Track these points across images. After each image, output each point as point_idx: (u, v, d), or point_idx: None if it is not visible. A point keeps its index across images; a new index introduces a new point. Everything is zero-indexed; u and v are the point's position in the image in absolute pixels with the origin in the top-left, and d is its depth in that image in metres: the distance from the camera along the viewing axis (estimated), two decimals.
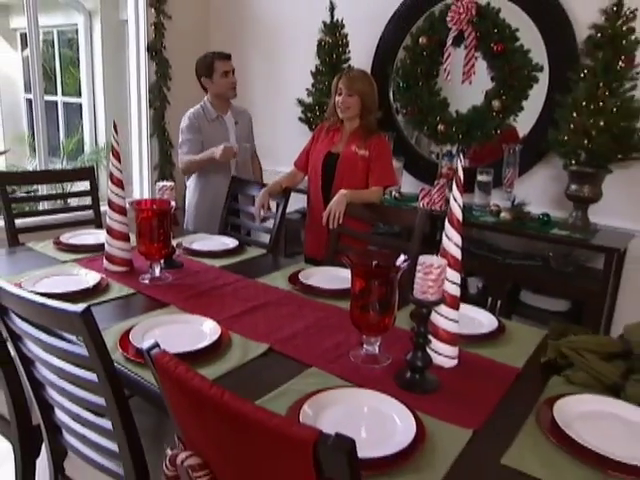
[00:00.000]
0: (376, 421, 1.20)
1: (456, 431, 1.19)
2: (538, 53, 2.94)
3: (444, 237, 1.40)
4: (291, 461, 0.73)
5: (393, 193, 3.19)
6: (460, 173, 1.35)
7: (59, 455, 1.58)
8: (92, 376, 1.19)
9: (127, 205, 2.03)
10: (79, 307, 1.11)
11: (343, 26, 3.32)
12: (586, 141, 2.56)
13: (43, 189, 3.63)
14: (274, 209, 2.62)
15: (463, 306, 1.82)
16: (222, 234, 2.66)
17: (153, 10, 3.98)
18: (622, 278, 2.82)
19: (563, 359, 1.48)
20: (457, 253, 1.39)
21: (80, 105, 5.57)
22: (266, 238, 2.64)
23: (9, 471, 1.81)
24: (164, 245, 1.97)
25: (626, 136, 2.55)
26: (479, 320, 1.75)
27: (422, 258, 1.28)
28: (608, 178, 2.67)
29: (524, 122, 3.02)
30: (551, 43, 2.90)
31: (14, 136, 6.33)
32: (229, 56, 3.02)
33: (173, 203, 2.00)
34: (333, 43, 3.29)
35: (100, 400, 1.22)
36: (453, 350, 1.45)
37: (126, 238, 2.05)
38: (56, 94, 6.60)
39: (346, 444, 0.67)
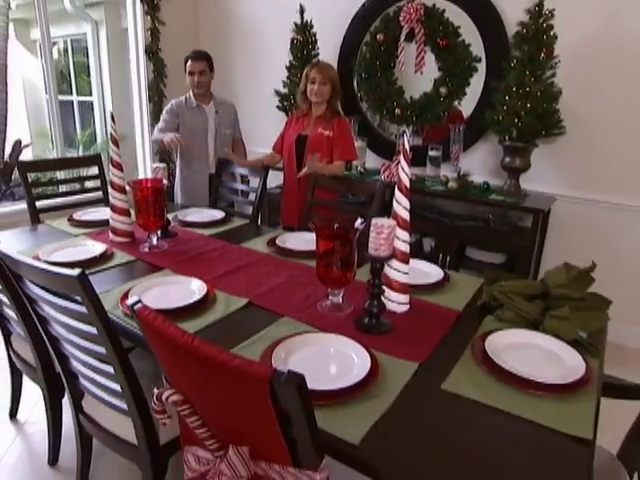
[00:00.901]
0: (337, 360, 1.18)
1: (405, 364, 1.17)
2: (476, 47, 2.87)
3: (394, 202, 1.36)
4: (252, 395, 0.70)
5: (359, 168, 3.14)
6: (407, 147, 1.31)
7: (77, 396, 1.55)
8: (92, 329, 1.15)
9: (126, 185, 1.95)
10: (75, 271, 1.06)
11: (312, 26, 3.20)
12: (516, 120, 2.52)
13: (61, 175, 3.55)
14: (254, 184, 2.55)
15: (417, 261, 1.81)
16: (212, 207, 2.59)
17: (149, 17, 3.84)
18: (547, 234, 2.83)
19: (495, 301, 1.47)
20: (406, 215, 1.36)
21: (91, 103, 5.39)
22: (249, 210, 2.58)
23: (42, 409, 1.79)
24: (159, 218, 1.90)
25: (548, 115, 2.53)
26: (429, 272, 1.73)
27: (374, 220, 1.24)
28: (535, 151, 2.65)
29: (467, 105, 2.97)
30: (487, 38, 2.83)
31: (38, 131, 6.14)
32: (198, 57, 2.83)
33: (165, 182, 1.93)
34: (304, 41, 3.18)
35: (101, 349, 1.19)
36: (404, 298, 1.43)
37: (127, 213, 1.98)
38: (72, 94, 6.42)
39: (296, 379, 0.64)
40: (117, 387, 1.26)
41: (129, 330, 1.32)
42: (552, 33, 2.45)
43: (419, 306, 1.48)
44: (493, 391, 1.09)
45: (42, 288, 1.24)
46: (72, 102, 6.40)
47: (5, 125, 5.68)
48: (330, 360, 1.17)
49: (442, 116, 3.01)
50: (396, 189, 1.35)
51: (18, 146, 3.90)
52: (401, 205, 1.34)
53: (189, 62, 2.82)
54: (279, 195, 3.29)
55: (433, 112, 3.01)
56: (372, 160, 3.27)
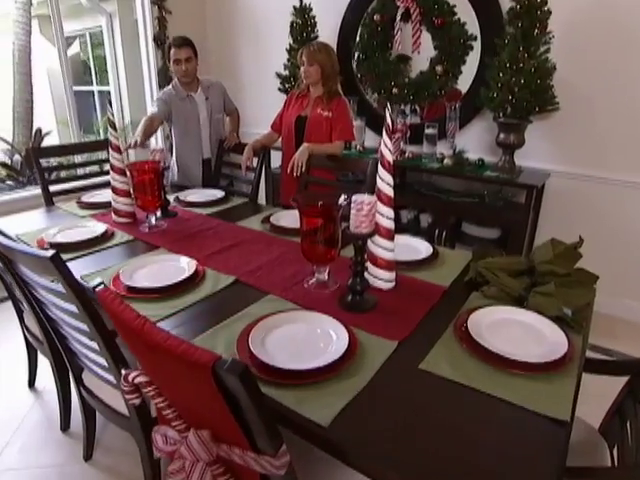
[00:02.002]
0: (316, 338, 1.09)
1: (384, 343, 1.08)
2: (472, 25, 2.67)
3: (378, 179, 1.24)
4: (199, 381, 0.62)
5: (357, 147, 3.00)
6: (389, 122, 1.18)
7: (77, 371, 1.50)
8: (73, 307, 1.08)
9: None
10: (49, 252, 0.98)
11: (311, 9, 3.02)
12: (510, 97, 2.35)
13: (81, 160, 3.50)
14: (255, 164, 2.44)
15: (408, 237, 1.70)
16: (213, 186, 2.50)
17: (156, 7, 3.69)
18: (541, 210, 2.68)
19: (482, 278, 1.36)
20: (390, 191, 1.24)
21: (109, 92, 5.29)
22: (249, 189, 2.47)
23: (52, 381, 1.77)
24: (157, 199, 1.82)
25: (542, 92, 2.34)
26: (418, 248, 1.62)
27: (355, 197, 1.13)
28: (530, 127, 2.48)
29: (463, 83, 2.79)
30: (481, 16, 2.63)
31: (62, 119, 6.07)
32: (182, 44, 2.51)
33: (162, 164, 1.83)
34: (303, 24, 3.01)
35: (84, 327, 1.12)
36: (390, 275, 1.33)
37: (128, 194, 1.89)
38: (92, 84, 6.31)
39: (238, 368, 0.56)
40: (104, 362, 1.19)
41: None
42: (546, 8, 2.25)
43: (406, 283, 1.38)
44: (471, 370, 0.99)
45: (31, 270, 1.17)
46: (93, 92, 6.31)
47: (32, 115, 5.62)
48: (308, 339, 1.09)
49: (439, 94, 2.84)
50: (379, 165, 1.24)
51: (39, 134, 3.83)
52: (384, 181, 1.23)
53: (173, 50, 2.52)
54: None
55: (429, 90, 2.84)
56: (371, 139, 3.13)
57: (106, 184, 2.54)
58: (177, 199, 2.19)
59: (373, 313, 1.22)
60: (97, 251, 1.63)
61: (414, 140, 2.91)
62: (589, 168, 2.50)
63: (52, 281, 1.13)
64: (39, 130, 3.94)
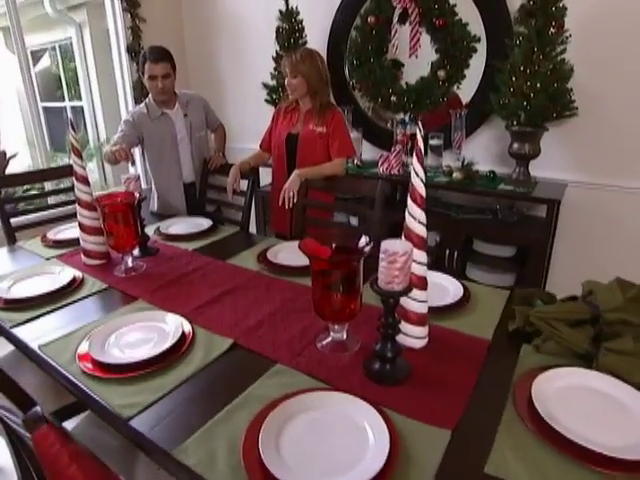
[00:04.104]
0: (346, 435, 0.83)
1: (432, 433, 0.84)
2: (475, 25, 2.47)
3: (407, 216, 1.01)
4: None
5: (355, 161, 2.77)
6: (420, 145, 0.95)
7: None
8: None
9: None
10: None
11: (298, 13, 2.80)
12: (525, 103, 2.15)
13: (49, 186, 3.22)
14: (244, 187, 2.17)
15: (429, 272, 1.47)
16: (198, 213, 2.24)
17: (129, 15, 3.42)
18: (558, 223, 2.47)
19: (531, 326, 1.13)
20: (422, 231, 1.01)
21: (82, 107, 4.98)
22: (238, 215, 2.20)
23: None
24: (134, 236, 1.56)
25: (559, 96, 2.14)
26: (444, 286, 1.39)
27: (385, 245, 0.89)
28: (545, 135, 2.28)
29: (467, 89, 2.58)
30: (486, 15, 2.43)
31: (32, 139, 5.74)
32: (159, 58, 2.19)
33: (137, 194, 1.57)
34: (290, 29, 2.77)
35: None
36: (422, 330, 1.09)
37: (99, 232, 1.61)
38: (64, 100, 5.99)
39: None
40: None
41: (87, 394, 0.98)
42: (561, 4, 2.05)
43: (438, 336, 1.14)
44: (549, 467, 0.76)
45: None
46: (64, 108, 5.98)
47: None
48: (336, 435, 0.83)
49: (441, 102, 2.63)
50: (408, 199, 1.00)
51: (3, 158, 3.51)
52: (416, 219, 1.00)
53: (148, 64, 2.18)
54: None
55: (431, 97, 2.63)
56: (369, 151, 2.90)
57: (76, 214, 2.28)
58: (158, 231, 1.93)
59: (409, 385, 0.98)
60: (62, 306, 1.36)
61: (413, 151, 2.69)
62: (610, 177, 2.31)
63: None
64: (3, 153, 3.62)
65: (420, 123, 0.97)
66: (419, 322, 1.07)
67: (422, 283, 1.04)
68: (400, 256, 0.87)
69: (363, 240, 1.02)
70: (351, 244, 1.03)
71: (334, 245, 1.06)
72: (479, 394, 0.95)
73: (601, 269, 2.40)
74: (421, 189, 0.98)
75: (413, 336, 1.08)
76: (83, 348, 1.10)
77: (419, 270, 1.03)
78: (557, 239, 2.50)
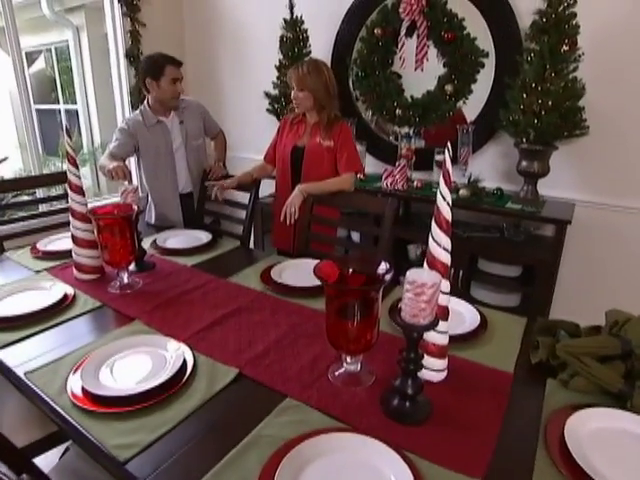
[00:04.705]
0: None
1: None
2: (483, 40, 2.44)
3: (431, 242, 0.94)
4: None
5: (358, 175, 2.70)
6: (449, 166, 0.89)
7: None
8: None
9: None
10: None
11: (303, 22, 2.75)
12: (535, 120, 2.10)
13: (40, 193, 3.11)
14: (245, 200, 2.09)
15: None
16: (196, 225, 2.16)
17: (129, 20, 3.35)
18: (565, 243, 2.42)
19: (555, 359, 1.07)
20: (447, 259, 0.95)
21: (77, 111, 4.88)
22: (236, 228, 2.12)
23: None
24: (130, 251, 1.47)
25: (571, 114, 2.11)
26: (459, 312, 1.32)
27: (412, 275, 0.82)
28: (554, 153, 2.24)
29: (473, 104, 2.54)
30: (496, 30, 2.39)
31: (24, 142, 5.63)
32: (181, 64, 2.22)
33: (135, 207, 1.48)
34: (294, 38, 2.72)
35: None
36: (442, 363, 1.02)
37: (93, 245, 1.53)
38: (58, 103, 5.89)
39: None
40: None
41: (75, 428, 0.90)
42: (574, 22, 2.02)
43: (458, 368, 1.08)
44: None
45: None
46: (57, 111, 5.88)
47: None
48: None
49: (448, 116, 2.58)
50: (433, 224, 0.94)
51: None
52: (440, 246, 0.93)
53: (170, 68, 2.15)
54: (271, 205, 2.86)
55: (438, 112, 2.59)
56: (372, 165, 2.85)
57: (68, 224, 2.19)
58: (154, 244, 1.85)
59: (430, 424, 0.90)
60: (52, 326, 1.27)
61: (419, 166, 2.64)
62: (620, 197, 2.27)
63: None
64: None
65: (449, 145, 0.91)
66: (439, 354, 1.00)
67: (444, 313, 0.98)
68: (428, 288, 0.80)
69: (383, 266, 0.95)
70: (369, 270, 0.96)
71: (351, 270, 0.99)
72: (507, 435, 0.88)
73: (609, 291, 2.35)
74: (447, 214, 0.91)
75: (432, 369, 1.01)
76: (74, 377, 1.02)
77: (442, 300, 0.96)
78: (563, 259, 2.45)
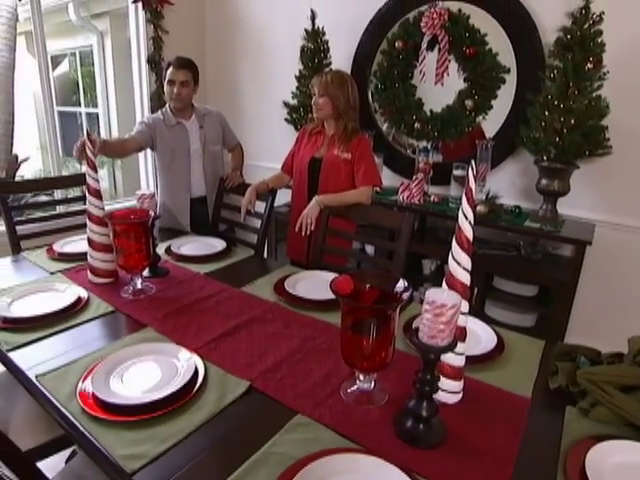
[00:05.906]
0: None
1: None
2: (504, 56, 2.43)
3: (451, 260, 0.93)
4: None
5: (375, 188, 2.69)
6: (472, 185, 0.87)
7: None
8: None
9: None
10: None
11: (324, 33, 2.77)
12: (557, 138, 2.08)
13: (58, 194, 3.16)
14: (261, 209, 2.09)
15: None
16: (207, 231, 2.17)
17: (152, 26, 3.41)
18: (583, 263, 2.38)
19: (575, 386, 1.04)
20: (467, 279, 0.92)
21: (97, 114, 4.97)
22: (253, 238, 2.12)
23: None
24: (145, 257, 1.47)
25: (594, 133, 2.08)
26: (475, 332, 1.29)
27: (431, 295, 0.80)
28: (575, 172, 2.20)
29: (493, 120, 2.52)
30: (518, 46, 2.38)
31: (45, 144, 5.73)
32: (181, 65, 2.21)
33: (152, 213, 1.49)
34: (315, 49, 2.74)
35: None
36: (458, 385, 1.00)
37: (108, 249, 1.54)
38: (79, 106, 5.99)
39: None
40: None
41: (84, 436, 0.89)
42: (599, 40, 2.00)
43: (473, 390, 1.05)
44: None
45: None
46: (78, 114, 5.98)
47: (12, 138, 5.25)
48: None
49: (467, 131, 2.57)
50: (453, 243, 0.92)
51: (15, 161, 3.44)
52: (461, 266, 0.91)
53: (170, 69, 2.21)
54: (287, 214, 2.85)
55: (457, 127, 2.57)
56: (389, 178, 2.83)
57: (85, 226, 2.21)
58: (169, 250, 1.85)
59: (445, 449, 0.88)
60: (64, 329, 1.28)
61: (436, 180, 2.62)
62: None
63: None
64: (15, 157, 3.57)
65: (473, 162, 0.89)
66: (455, 376, 0.98)
67: (462, 334, 0.95)
68: (448, 309, 0.78)
69: (400, 284, 0.93)
70: (387, 287, 0.94)
71: (368, 286, 0.97)
72: (524, 464, 0.85)
73: (629, 316, 2.30)
74: (469, 233, 0.89)
75: (447, 391, 0.99)
76: (85, 382, 1.01)
77: (460, 320, 0.94)
78: (581, 280, 2.40)
